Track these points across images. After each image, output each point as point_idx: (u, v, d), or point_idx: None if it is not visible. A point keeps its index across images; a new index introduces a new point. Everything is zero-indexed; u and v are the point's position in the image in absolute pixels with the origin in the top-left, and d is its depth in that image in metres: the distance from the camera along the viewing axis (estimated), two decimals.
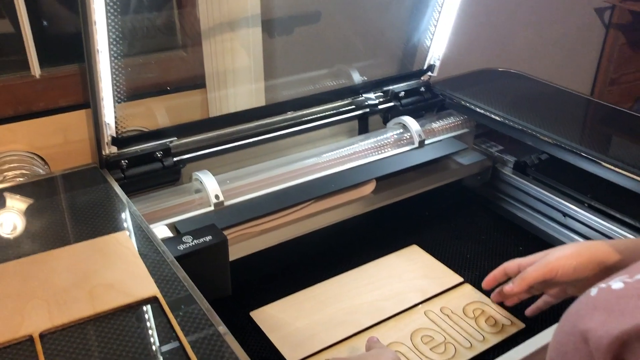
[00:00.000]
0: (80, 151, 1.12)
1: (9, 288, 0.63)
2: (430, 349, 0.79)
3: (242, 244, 0.89)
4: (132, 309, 0.61)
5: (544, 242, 1.04)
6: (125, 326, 0.59)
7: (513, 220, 1.10)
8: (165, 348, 0.57)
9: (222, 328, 0.59)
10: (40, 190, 0.84)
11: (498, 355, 0.71)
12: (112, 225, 0.75)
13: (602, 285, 0.48)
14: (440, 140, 1.12)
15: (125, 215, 0.78)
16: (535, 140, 1.04)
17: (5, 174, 1.08)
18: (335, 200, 0.98)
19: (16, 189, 0.85)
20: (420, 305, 0.87)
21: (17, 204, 0.80)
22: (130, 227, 0.75)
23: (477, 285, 0.91)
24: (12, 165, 1.09)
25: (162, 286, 0.64)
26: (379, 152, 1.06)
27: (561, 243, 1.02)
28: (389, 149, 1.07)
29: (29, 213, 0.78)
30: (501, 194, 1.14)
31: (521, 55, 1.76)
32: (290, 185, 0.96)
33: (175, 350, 0.57)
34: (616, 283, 0.47)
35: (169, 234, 0.82)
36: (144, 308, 0.62)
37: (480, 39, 1.63)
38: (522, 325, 0.83)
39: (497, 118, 1.09)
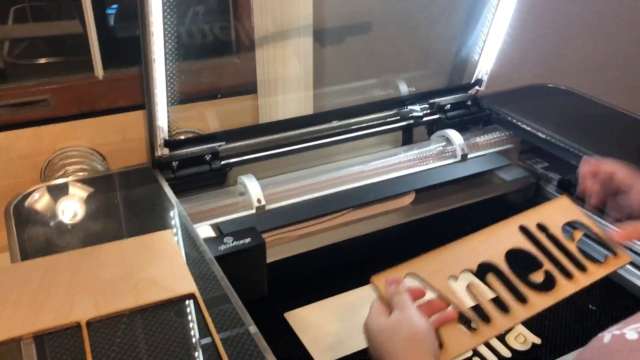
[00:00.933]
0: (136, 149, 1.19)
1: (61, 278, 0.68)
2: None
3: (281, 247, 0.93)
4: (172, 304, 0.66)
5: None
6: (164, 320, 0.63)
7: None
8: (198, 343, 0.61)
9: (253, 328, 0.63)
10: (95, 186, 0.90)
11: None
12: (159, 223, 0.80)
13: (616, 332, 0.47)
14: (484, 155, 1.13)
15: (173, 214, 0.83)
16: (580, 160, 1.03)
17: (67, 168, 1.16)
18: (373, 210, 1.00)
19: (74, 184, 0.91)
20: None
21: (73, 198, 0.87)
22: (176, 226, 0.80)
23: None
24: (73, 160, 1.17)
25: (200, 284, 0.68)
26: (421, 164, 1.07)
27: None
28: (431, 161, 1.08)
29: (83, 207, 0.84)
30: None
31: (575, 71, 1.72)
32: (331, 192, 0.99)
33: (207, 345, 0.60)
34: (631, 333, 0.46)
35: (211, 233, 0.87)
36: (182, 304, 0.66)
37: (532, 54, 1.61)
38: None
39: (543, 136, 1.09)
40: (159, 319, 0.64)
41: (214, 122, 1.13)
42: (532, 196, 1.15)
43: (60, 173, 1.15)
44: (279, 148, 1.05)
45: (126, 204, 0.86)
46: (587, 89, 1.29)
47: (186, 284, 0.68)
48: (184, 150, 0.97)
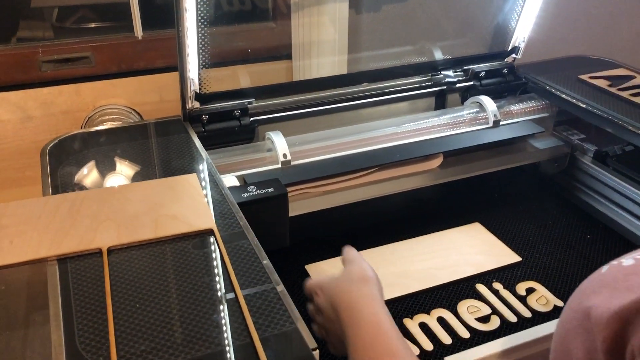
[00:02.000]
0: (173, 110, 1.21)
1: (89, 210, 0.71)
2: (475, 319, 0.79)
3: (305, 202, 0.94)
4: (190, 238, 0.67)
5: (615, 232, 1.00)
6: (182, 251, 0.65)
7: (585, 208, 1.06)
8: (213, 274, 0.63)
9: (267, 262, 0.64)
10: (128, 134, 0.93)
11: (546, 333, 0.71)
12: (186, 169, 0.82)
13: (614, 262, 0.47)
14: (517, 122, 1.11)
15: (199, 163, 0.85)
16: (619, 130, 1.00)
17: (105, 124, 1.20)
18: (400, 171, 1.00)
19: (108, 131, 0.94)
20: (472, 279, 0.87)
21: (105, 144, 0.90)
22: (202, 172, 0.82)
23: (536, 266, 0.90)
24: (112, 116, 1.21)
25: (219, 222, 0.70)
26: (452, 128, 1.06)
27: (634, 236, 0.98)
28: (463, 127, 1.07)
29: (114, 152, 0.87)
30: (577, 182, 1.10)
31: (622, 46, 1.66)
32: (358, 152, 0.99)
33: (222, 276, 0.62)
34: (628, 260, 0.46)
35: (236, 183, 0.88)
36: (200, 238, 0.68)
37: (578, 26, 1.56)
38: None
39: (581, 104, 1.06)
40: (177, 251, 0.65)
41: (247, 82, 1.15)
42: (567, 167, 1.12)
43: None
44: (310, 108, 1.06)
45: (156, 151, 0.88)
46: (635, 64, 1.25)
47: (205, 220, 0.70)
48: (214, 105, 0.99)
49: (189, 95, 0.95)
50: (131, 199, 0.74)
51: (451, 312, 0.81)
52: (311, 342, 0.54)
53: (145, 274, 0.62)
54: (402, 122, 1.05)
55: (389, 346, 0.55)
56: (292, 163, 0.95)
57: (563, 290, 0.85)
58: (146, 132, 0.95)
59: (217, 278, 0.62)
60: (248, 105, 1.01)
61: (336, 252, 0.91)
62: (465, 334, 0.77)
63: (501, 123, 1.09)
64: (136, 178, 0.80)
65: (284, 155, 0.94)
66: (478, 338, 0.77)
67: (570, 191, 1.11)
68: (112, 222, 0.69)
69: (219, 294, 0.60)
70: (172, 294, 0.59)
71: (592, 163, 1.09)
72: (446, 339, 0.76)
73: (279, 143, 0.95)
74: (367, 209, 0.99)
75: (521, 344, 0.70)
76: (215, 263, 0.64)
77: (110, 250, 0.65)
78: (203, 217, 0.71)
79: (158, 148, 0.89)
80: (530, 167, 1.12)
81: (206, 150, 0.90)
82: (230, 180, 0.89)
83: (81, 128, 1.20)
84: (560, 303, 0.82)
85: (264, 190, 0.84)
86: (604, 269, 0.48)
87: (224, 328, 0.55)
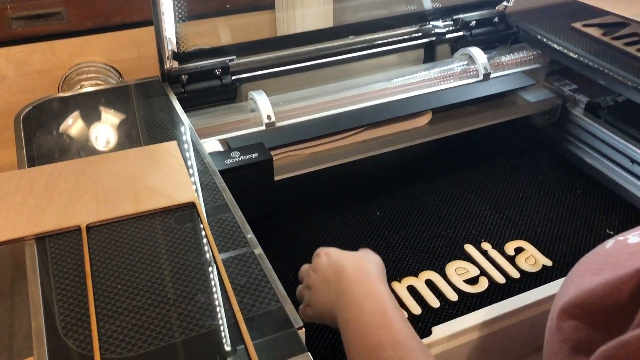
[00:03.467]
0: (152, 66, 1.16)
1: (66, 184, 0.69)
2: (463, 281, 0.79)
3: (291, 165, 0.92)
4: (171, 212, 0.66)
5: (606, 187, 0.99)
6: (163, 226, 0.64)
7: (576, 163, 1.05)
8: (196, 250, 0.61)
9: (251, 236, 0.63)
10: (103, 98, 0.90)
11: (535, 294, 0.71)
12: (165, 135, 0.80)
13: (620, 238, 0.46)
14: (507, 75, 1.08)
15: (179, 128, 0.82)
16: (611, 81, 0.97)
17: (83, 83, 1.15)
18: (388, 130, 0.97)
19: (82, 96, 0.91)
20: (461, 238, 0.87)
21: (80, 109, 0.86)
22: (182, 139, 0.79)
23: (525, 224, 0.89)
24: (89, 75, 1.17)
25: (202, 194, 0.68)
26: (441, 82, 1.03)
27: (625, 191, 0.97)
28: (452, 81, 1.04)
29: (90, 118, 0.84)
30: (568, 135, 1.09)
31: None
32: (344, 110, 0.96)
33: (204, 251, 0.61)
34: (633, 237, 0.44)
35: (219, 148, 0.86)
36: (182, 212, 0.66)
37: None
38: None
39: (573, 55, 1.03)
40: (158, 226, 0.64)
41: (227, 37, 1.10)
42: (558, 119, 1.10)
43: (77, 88, 1.15)
44: (294, 64, 1.02)
45: (133, 116, 0.85)
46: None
47: (187, 193, 0.68)
48: (194, 64, 0.95)
49: (167, 55, 0.91)
50: (110, 170, 0.72)
51: (439, 274, 0.80)
52: (298, 323, 0.53)
53: (126, 253, 0.60)
54: (390, 77, 1.02)
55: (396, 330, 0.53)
56: (277, 125, 0.92)
57: (552, 249, 0.85)
58: (124, 95, 0.91)
59: (199, 255, 0.60)
60: (229, 63, 0.97)
61: (324, 216, 0.91)
62: (453, 296, 0.77)
63: (492, 76, 1.06)
64: (115, 146, 0.78)
65: (268, 117, 0.91)
66: (466, 300, 0.76)
67: (561, 144, 1.09)
68: (91, 197, 0.67)
69: (202, 271, 0.58)
70: (154, 273, 0.58)
71: (583, 115, 1.07)
72: (434, 303, 0.76)
73: (263, 104, 0.92)
74: (356, 170, 0.97)
75: (508, 312, 0.70)
76: (196, 239, 0.62)
77: (89, 228, 0.63)
78: (184, 189, 0.69)
79: (137, 112, 0.86)
80: (521, 120, 1.10)
81: (187, 111, 0.87)
82: (212, 144, 0.86)
83: (58, 88, 1.16)
84: (549, 262, 0.82)
85: (248, 156, 0.82)
86: (609, 243, 0.47)
87: (208, 307, 0.54)
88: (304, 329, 0.53)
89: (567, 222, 0.90)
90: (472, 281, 0.79)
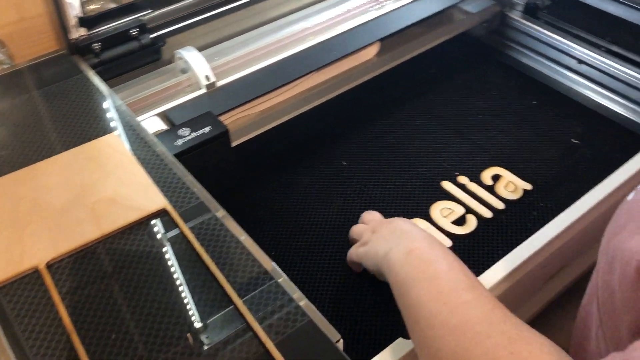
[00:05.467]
0: (40, 28, 0.98)
1: (1, 211, 0.56)
2: (451, 223, 0.76)
3: (242, 129, 0.82)
4: (142, 226, 0.56)
5: (558, 93, 0.98)
6: (139, 245, 0.54)
7: (525, 71, 1.03)
8: (183, 262, 0.53)
9: (245, 238, 0.55)
10: (2, 89, 0.74)
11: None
12: (98, 125, 0.67)
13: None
14: None
15: (111, 111, 0.70)
16: None
17: None
18: (337, 69, 0.89)
19: None
20: (435, 176, 0.83)
21: None
22: (119, 125, 0.67)
23: (493, 148, 0.87)
24: None
25: (169, 195, 0.58)
26: (378, 7, 0.95)
27: (576, 93, 0.96)
28: (386, 3, 0.96)
29: None
30: (511, 42, 1.05)
31: None
32: (286, 56, 0.86)
33: (193, 264, 0.52)
34: None
35: (162, 126, 0.74)
36: (154, 223, 0.56)
37: None
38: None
39: None
40: (133, 245, 0.54)
41: None
42: (498, 26, 1.06)
43: None
44: (215, 9, 0.89)
45: (49, 106, 0.71)
46: None
47: (153, 198, 0.58)
48: (105, 28, 0.80)
49: (72, 23, 0.76)
50: (48, 185, 0.59)
51: (426, 219, 0.77)
52: (335, 337, 0.47)
53: (105, 287, 0.51)
54: (321, 9, 0.92)
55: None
56: (217, 84, 0.81)
57: (527, 170, 0.83)
58: (25, 80, 0.76)
59: (188, 270, 0.52)
60: (144, 19, 0.83)
61: (290, 178, 0.83)
62: (447, 242, 0.74)
63: None
64: (40, 151, 0.64)
65: (207, 78, 0.80)
66: (460, 243, 0.74)
67: (506, 53, 1.06)
68: (37, 226, 0.55)
69: (201, 293, 0.50)
70: (149, 306, 0.49)
71: (522, 18, 1.03)
72: None
73: (196, 62, 0.80)
74: (312, 120, 0.89)
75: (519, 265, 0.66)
76: (181, 250, 0.53)
77: (50, 266, 0.52)
78: (147, 192, 0.58)
79: (51, 100, 0.72)
80: (464, 34, 1.05)
81: (108, 85, 0.74)
82: (153, 123, 0.75)
83: None
84: (528, 186, 0.80)
85: (200, 132, 0.71)
86: (630, 196, 0.46)
87: (228, 340, 0.47)
88: (341, 340, 0.47)
89: (533, 138, 0.89)
90: (460, 221, 0.76)
